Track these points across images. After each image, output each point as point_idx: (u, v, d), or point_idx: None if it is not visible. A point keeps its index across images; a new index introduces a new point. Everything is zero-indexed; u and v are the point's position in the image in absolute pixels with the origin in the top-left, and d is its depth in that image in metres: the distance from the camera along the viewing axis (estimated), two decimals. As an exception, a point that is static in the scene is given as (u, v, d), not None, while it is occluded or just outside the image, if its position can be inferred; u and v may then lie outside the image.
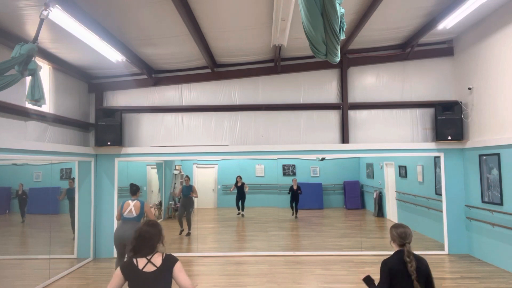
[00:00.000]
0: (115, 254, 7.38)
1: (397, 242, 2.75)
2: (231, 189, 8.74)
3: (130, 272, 2.47)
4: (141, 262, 2.51)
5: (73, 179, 6.74)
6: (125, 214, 5.39)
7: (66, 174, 6.87)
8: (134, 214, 5.37)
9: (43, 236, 6.04)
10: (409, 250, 2.65)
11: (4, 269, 5.39)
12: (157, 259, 2.55)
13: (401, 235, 2.73)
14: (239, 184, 8.71)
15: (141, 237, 2.57)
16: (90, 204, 7.29)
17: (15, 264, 5.59)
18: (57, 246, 6.41)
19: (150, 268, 2.49)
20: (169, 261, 2.55)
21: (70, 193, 6.82)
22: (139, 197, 5.64)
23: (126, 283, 2.49)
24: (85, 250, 7.15)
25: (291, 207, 8.61)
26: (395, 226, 2.81)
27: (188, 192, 8.14)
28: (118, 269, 2.48)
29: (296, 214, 8.63)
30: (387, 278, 2.67)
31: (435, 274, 5.99)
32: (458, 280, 5.67)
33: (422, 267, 2.67)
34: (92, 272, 6.45)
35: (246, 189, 8.65)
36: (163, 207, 9.24)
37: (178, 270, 2.53)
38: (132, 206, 5.41)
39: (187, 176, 8.33)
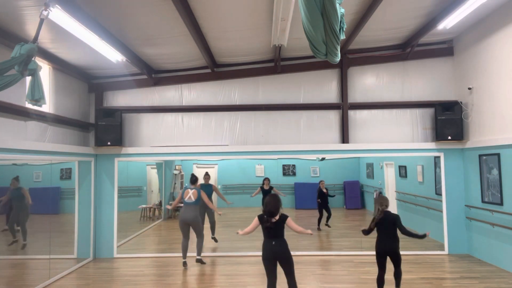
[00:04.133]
0: (115, 254, 7.41)
1: (377, 206, 4.85)
2: (253, 195, 8.05)
3: (263, 220, 4.29)
4: (269, 216, 4.25)
5: (16, 177, 5.74)
6: (186, 199, 6.51)
7: (66, 174, 6.87)
8: (193, 199, 6.51)
9: (43, 236, 6.04)
10: (381, 210, 4.78)
11: (4, 269, 5.39)
12: (277, 216, 4.27)
13: (381, 203, 4.85)
14: (266, 187, 7.94)
15: (272, 203, 4.28)
16: (90, 204, 7.29)
17: (15, 264, 5.59)
18: (57, 246, 6.41)
19: (273, 220, 4.27)
20: (283, 217, 4.32)
21: (14, 193, 5.75)
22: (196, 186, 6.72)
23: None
24: (85, 250, 7.15)
25: (320, 218, 8.06)
26: (376, 199, 4.91)
27: (210, 192, 7.38)
28: (256, 217, 4.38)
29: (327, 221, 8.08)
30: (372, 224, 4.82)
31: (435, 274, 6.00)
32: (458, 280, 5.67)
33: (390, 217, 4.76)
34: (92, 272, 6.45)
35: (281, 194, 7.80)
36: (163, 207, 9.24)
37: (289, 221, 4.35)
38: (191, 193, 6.53)
39: (206, 173, 7.71)
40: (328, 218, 8.17)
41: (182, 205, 6.62)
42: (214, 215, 7.46)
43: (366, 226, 4.91)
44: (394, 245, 4.74)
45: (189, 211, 6.48)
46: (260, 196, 7.96)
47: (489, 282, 5.56)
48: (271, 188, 7.97)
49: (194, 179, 6.71)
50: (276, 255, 4.26)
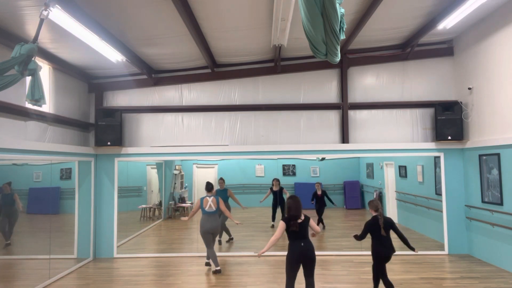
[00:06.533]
0: (115, 254, 7.41)
1: (373, 210, 4.80)
2: (262, 199, 7.97)
3: (289, 223, 4.31)
4: (293, 220, 4.34)
5: (9, 183, 5.64)
6: (207, 209, 6.27)
7: (66, 174, 6.87)
8: (214, 208, 6.28)
9: (43, 236, 6.04)
10: (380, 213, 4.72)
11: (4, 269, 5.39)
12: (301, 217, 4.36)
13: (376, 206, 4.80)
14: (275, 188, 7.91)
15: (294, 206, 4.34)
16: (90, 204, 7.29)
17: (15, 264, 5.59)
18: (57, 246, 6.41)
19: (299, 221, 4.33)
20: (306, 218, 4.40)
21: (5, 198, 5.63)
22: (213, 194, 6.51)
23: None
24: (85, 250, 7.15)
25: (319, 220, 7.93)
26: (371, 202, 4.88)
27: (225, 197, 7.32)
28: (282, 221, 4.35)
29: (323, 225, 8.00)
30: (366, 230, 4.77)
31: (435, 274, 6.00)
32: (458, 280, 5.67)
33: (388, 221, 4.72)
34: (92, 272, 6.45)
35: (287, 194, 7.75)
36: (163, 207, 9.23)
37: (311, 222, 4.42)
38: (210, 201, 6.29)
39: (221, 178, 7.66)
40: (322, 223, 8.04)
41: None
42: (226, 221, 7.44)
43: (357, 232, 4.87)
44: (393, 248, 4.76)
45: (212, 221, 6.25)
46: (260, 195, 7.95)
47: (489, 282, 5.56)
48: (281, 189, 7.92)
49: (210, 186, 6.46)
50: (305, 257, 4.29)
